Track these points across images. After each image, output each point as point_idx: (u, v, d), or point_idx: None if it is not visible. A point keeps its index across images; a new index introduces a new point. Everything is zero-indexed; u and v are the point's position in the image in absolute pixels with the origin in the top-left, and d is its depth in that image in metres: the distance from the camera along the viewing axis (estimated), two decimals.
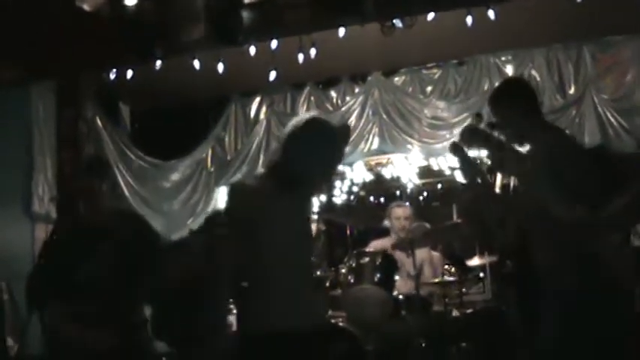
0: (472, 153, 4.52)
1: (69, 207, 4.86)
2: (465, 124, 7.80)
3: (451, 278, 7.23)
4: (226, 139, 8.82)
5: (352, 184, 8.62)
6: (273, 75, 7.26)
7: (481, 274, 7.65)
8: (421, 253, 7.15)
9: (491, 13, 6.23)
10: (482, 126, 4.41)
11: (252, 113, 8.80)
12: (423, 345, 6.30)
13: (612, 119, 7.47)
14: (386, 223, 7.58)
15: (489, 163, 4.53)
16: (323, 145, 3.67)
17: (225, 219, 3.66)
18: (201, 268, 4.23)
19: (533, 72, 7.80)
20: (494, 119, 4.42)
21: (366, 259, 6.55)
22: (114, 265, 4.39)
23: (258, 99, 8.79)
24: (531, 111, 4.32)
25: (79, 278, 4.34)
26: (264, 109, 8.74)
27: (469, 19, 6.29)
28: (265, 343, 3.51)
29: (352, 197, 8.72)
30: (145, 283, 4.54)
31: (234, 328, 3.84)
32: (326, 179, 4.27)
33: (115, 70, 7.31)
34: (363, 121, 8.17)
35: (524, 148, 4.37)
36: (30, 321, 4.31)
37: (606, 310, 3.84)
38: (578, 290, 3.86)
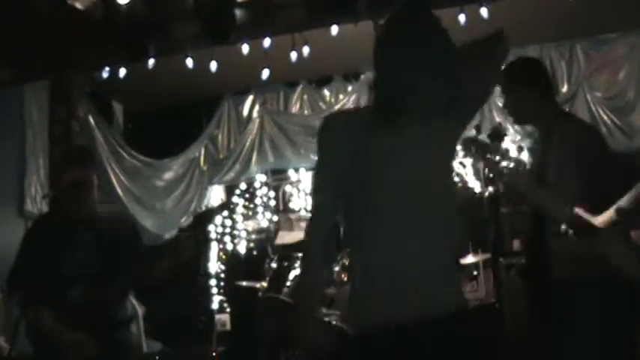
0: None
1: (57, 200, 4.80)
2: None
3: None
4: (219, 137, 8.82)
5: None
6: (266, 73, 7.26)
7: (475, 272, 7.66)
8: None
9: (484, 12, 6.23)
10: (480, 138, 4.31)
11: (245, 112, 8.80)
12: None
13: (605, 117, 7.49)
14: None
15: (489, 174, 4.46)
16: (428, 46, 2.53)
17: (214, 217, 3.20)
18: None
19: None
20: (504, 98, 4.30)
21: None
22: (96, 260, 4.35)
23: (251, 97, 8.79)
24: (545, 92, 4.19)
25: (59, 273, 4.30)
26: (257, 107, 8.74)
27: (462, 18, 6.28)
28: (369, 342, 2.57)
29: None
30: (129, 279, 4.51)
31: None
32: (464, 100, 2.65)
33: (107, 68, 7.29)
34: None
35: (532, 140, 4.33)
36: (22, 321, 4.28)
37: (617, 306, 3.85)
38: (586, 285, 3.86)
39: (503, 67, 2.99)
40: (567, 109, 7.45)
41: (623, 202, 3.66)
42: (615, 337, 3.84)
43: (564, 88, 7.75)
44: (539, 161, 4.14)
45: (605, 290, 3.80)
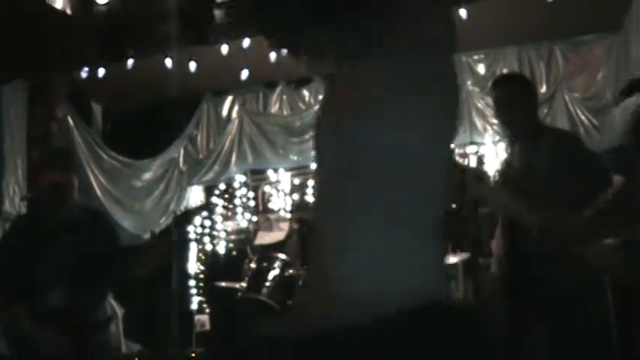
0: None
1: (35, 201, 4.79)
2: None
3: None
4: (198, 138, 8.80)
5: None
6: (245, 74, 7.25)
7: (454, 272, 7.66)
8: None
9: (463, 12, 6.25)
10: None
11: (225, 112, 8.78)
12: None
13: (583, 118, 7.51)
14: None
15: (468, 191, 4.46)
16: None
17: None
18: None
19: (505, 71, 7.82)
20: (496, 108, 4.40)
21: None
22: (75, 262, 4.33)
23: (230, 98, 8.77)
24: (532, 110, 4.35)
25: (37, 275, 4.28)
26: (236, 108, 8.72)
27: None
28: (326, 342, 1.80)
29: None
30: (107, 281, 4.50)
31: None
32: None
33: (86, 69, 7.27)
34: None
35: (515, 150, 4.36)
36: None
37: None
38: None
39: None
40: (546, 110, 7.52)
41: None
42: (597, 338, 3.87)
43: (543, 89, 7.76)
44: (520, 170, 4.20)
45: (587, 291, 3.83)
